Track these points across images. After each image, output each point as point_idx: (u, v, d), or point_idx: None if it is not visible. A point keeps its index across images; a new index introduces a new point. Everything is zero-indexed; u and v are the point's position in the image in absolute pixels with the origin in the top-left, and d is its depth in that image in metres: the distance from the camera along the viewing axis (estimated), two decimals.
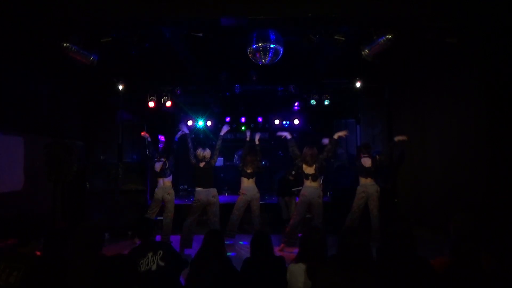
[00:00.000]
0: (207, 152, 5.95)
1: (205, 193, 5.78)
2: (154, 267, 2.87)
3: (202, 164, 5.92)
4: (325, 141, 6.02)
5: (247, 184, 6.11)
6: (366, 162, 5.97)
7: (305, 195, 5.70)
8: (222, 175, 10.69)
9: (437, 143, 6.35)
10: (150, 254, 2.91)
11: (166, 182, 6.11)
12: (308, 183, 5.74)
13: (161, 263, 2.90)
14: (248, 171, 6.11)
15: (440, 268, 2.50)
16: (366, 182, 5.89)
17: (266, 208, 7.63)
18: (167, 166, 6.07)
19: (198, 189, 5.86)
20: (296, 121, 10.86)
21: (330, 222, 6.15)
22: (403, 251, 2.55)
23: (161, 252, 2.94)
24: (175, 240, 5.74)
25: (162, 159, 6.15)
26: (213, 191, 5.87)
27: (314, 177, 5.71)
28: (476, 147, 5.30)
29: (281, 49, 5.02)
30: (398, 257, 2.53)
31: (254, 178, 6.15)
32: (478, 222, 2.91)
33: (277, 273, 2.83)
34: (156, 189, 6.17)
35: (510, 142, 4.67)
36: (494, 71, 4.95)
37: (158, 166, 6.14)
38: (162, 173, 6.10)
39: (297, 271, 2.66)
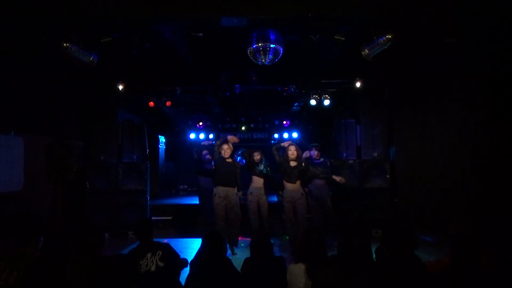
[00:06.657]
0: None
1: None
2: (153, 268, 2.87)
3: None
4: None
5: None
6: None
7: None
8: None
9: (437, 143, 6.35)
10: (149, 255, 2.91)
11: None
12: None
13: (160, 264, 2.90)
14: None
15: (440, 268, 2.50)
16: None
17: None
18: None
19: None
20: (296, 121, 10.87)
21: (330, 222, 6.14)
22: (402, 251, 2.55)
23: (160, 252, 2.94)
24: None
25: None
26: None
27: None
28: (476, 147, 5.30)
29: (281, 49, 5.01)
30: (398, 257, 2.53)
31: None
32: (478, 222, 2.91)
33: (277, 273, 2.83)
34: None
35: (510, 142, 4.67)
36: (494, 71, 4.95)
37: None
38: None
39: (297, 271, 2.66)
